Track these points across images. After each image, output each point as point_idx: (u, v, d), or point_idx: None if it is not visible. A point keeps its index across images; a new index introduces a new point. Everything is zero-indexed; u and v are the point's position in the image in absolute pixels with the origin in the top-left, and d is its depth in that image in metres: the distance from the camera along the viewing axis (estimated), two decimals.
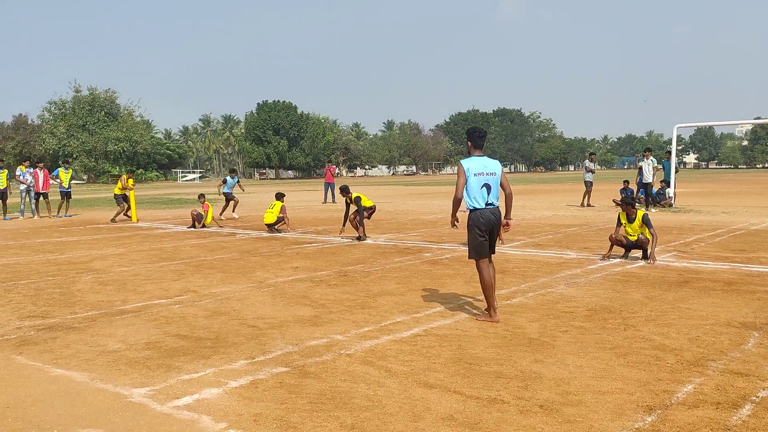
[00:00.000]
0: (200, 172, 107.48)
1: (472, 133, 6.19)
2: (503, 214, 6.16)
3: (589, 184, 21.77)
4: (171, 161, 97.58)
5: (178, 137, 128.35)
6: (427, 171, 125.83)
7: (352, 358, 4.89)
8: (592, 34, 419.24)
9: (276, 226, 14.73)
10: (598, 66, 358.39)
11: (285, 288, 7.88)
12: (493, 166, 6.11)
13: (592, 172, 21.88)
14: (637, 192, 21.00)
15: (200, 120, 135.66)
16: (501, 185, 6.11)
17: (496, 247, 6.50)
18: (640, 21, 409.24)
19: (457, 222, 6.43)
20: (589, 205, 21.46)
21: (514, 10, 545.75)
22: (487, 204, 5.99)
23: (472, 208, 6.02)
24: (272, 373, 4.55)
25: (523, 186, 47.03)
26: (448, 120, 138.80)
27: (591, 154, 22.98)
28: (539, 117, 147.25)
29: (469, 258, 6.09)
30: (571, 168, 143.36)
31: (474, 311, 6.39)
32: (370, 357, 4.90)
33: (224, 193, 19.08)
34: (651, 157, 19.86)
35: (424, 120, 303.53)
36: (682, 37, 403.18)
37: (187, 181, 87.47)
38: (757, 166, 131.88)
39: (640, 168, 19.83)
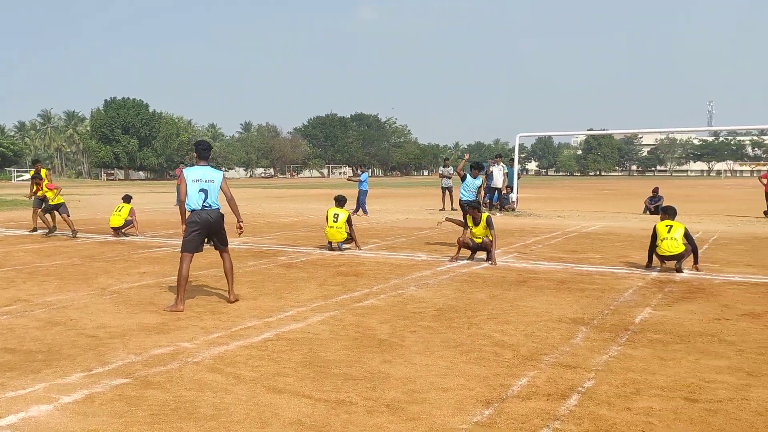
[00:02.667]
0: None
1: (197, 145, 7.13)
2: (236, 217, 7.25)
3: (444, 190, 22.68)
4: (5, 159, 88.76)
5: (12, 133, 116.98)
6: (286, 174, 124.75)
7: (199, 365, 4.72)
8: (445, 44, 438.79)
9: (123, 230, 13.88)
10: (448, 76, 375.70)
11: (130, 295, 7.45)
12: (213, 175, 7.00)
13: (448, 177, 22.81)
14: (484, 196, 22.26)
15: (39, 115, 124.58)
16: (222, 191, 7.01)
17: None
18: (487, 36, 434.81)
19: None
20: (452, 208, 22.28)
21: (371, 16, 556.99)
22: (203, 206, 6.83)
23: (190, 209, 6.87)
24: (111, 386, 4.27)
25: (381, 190, 48.08)
26: (306, 123, 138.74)
27: (445, 159, 24.00)
28: (395, 123, 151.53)
29: (181, 251, 6.91)
30: (425, 173, 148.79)
31: (329, 313, 6.42)
32: (219, 364, 4.76)
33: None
34: (501, 163, 21.14)
35: (282, 123, 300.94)
36: (527, 51, 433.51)
37: (24, 180, 79.82)
38: (590, 173, 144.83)
39: (491, 173, 21.00)
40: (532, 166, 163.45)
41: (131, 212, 14.01)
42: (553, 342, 5.47)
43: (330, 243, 11.58)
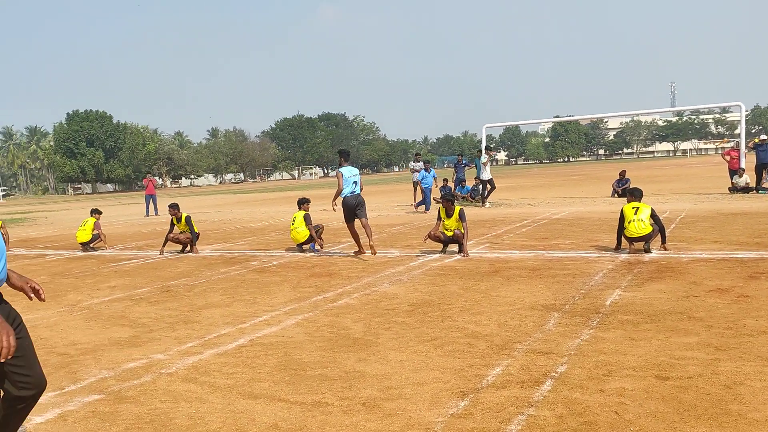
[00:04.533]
0: (4, 190, 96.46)
1: (342, 153, 10.74)
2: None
3: (416, 185, 22.72)
4: None
5: None
6: (256, 178, 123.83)
7: (173, 376, 4.67)
8: (408, 41, 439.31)
9: (91, 244, 13.64)
10: (414, 70, 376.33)
11: (101, 309, 7.33)
12: (357, 172, 10.56)
13: (419, 171, 22.84)
14: (455, 188, 22.39)
15: (0, 133, 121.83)
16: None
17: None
18: (450, 30, 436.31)
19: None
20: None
21: (332, 16, 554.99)
22: (352, 192, 10.36)
23: (344, 195, 10.33)
24: (84, 403, 4.21)
25: None
26: (274, 126, 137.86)
27: (416, 154, 24.05)
28: (363, 120, 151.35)
29: (345, 222, 10.58)
30: (396, 169, 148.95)
31: (303, 315, 6.40)
32: (193, 374, 4.72)
33: None
34: (484, 155, 21.34)
35: (249, 127, 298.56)
36: (487, 44, 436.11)
37: None
38: (558, 160, 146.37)
39: (476, 166, 21.26)
40: (502, 155, 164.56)
41: (96, 225, 13.78)
42: (526, 330, 5.53)
43: (299, 245, 11.55)
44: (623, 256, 9.07)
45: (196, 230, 12.46)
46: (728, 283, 6.86)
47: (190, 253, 12.19)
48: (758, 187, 19.04)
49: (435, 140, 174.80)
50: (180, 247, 12.54)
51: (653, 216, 9.22)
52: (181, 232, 12.43)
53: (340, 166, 10.53)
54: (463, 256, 9.94)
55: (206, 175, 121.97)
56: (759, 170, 19.21)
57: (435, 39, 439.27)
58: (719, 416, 3.49)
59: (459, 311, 6.32)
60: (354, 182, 10.38)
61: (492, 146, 27.42)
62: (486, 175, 21.10)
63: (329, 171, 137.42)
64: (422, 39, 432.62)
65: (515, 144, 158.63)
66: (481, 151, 23.49)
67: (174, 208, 12.55)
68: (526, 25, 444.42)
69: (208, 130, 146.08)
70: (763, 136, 20.20)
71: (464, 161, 23.51)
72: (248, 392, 4.26)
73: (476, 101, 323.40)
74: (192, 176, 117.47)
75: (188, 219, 12.35)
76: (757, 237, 10.12)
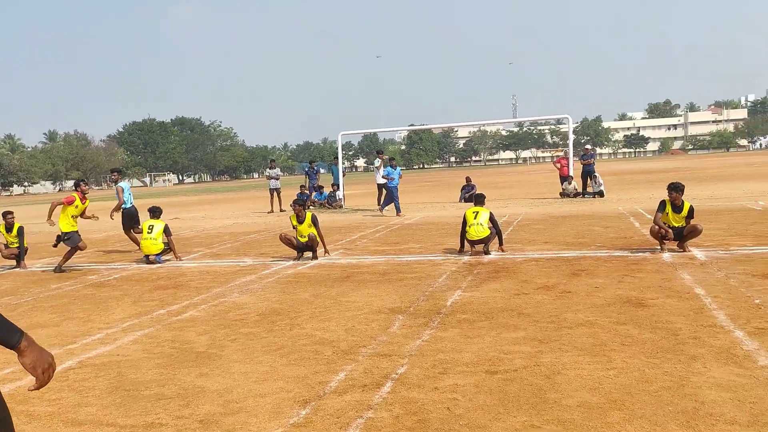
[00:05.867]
0: None
1: (115, 170, 10.91)
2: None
3: (273, 191, 22.45)
4: None
5: None
6: (102, 185, 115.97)
7: None
8: (267, 44, 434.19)
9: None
10: (272, 75, 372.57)
11: None
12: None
13: (276, 178, 22.59)
14: (313, 194, 22.43)
15: None
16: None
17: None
18: (307, 35, 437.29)
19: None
20: (281, 210, 22.07)
21: (186, 17, 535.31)
22: None
23: None
24: None
25: (206, 196, 46.48)
26: (122, 130, 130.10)
27: (271, 161, 23.77)
28: (220, 126, 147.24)
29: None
30: (255, 175, 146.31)
31: (143, 331, 6.08)
32: (10, 403, 4.29)
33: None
34: (378, 159, 21.56)
35: (93, 130, 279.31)
36: (348, 48, 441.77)
37: None
38: (414, 166, 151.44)
39: (333, 172, 21.51)
40: (361, 162, 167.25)
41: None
42: (371, 333, 5.65)
43: (147, 256, 10.99)
44: (465, 258, 9.57)
45: (25, 244, 11.45)
46: (554, 281, 7.47)
47: (17, 269, 11.17)
48: (584, 192, 20.92)
49: (295, 147, 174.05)
50: (14, 262, 11.46)
51: (492, 220, 9.82)
52: (7, 245, 11.37)
53: (118, 181, 12.92)
54: (316, 262, 9.98)
55: (43, 182, 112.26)
56: (584, 177, 21.10)
57: (294, 44, 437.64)
58: (538, 404, 3.78)
59: (308, 318, 6.33)
60: (130, 194, 12.97)
61: (383, 150, 27.98)
62: (380, 179, 21.40)
63: (184, 178, 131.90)
64: (281, 43, 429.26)
65: (373, 151, 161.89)
66: (337, 158, 23.76)
67: (9, 215, 11.52)
68: (383, 36, 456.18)
69: (45, 134, 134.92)
70: (587, 146, 22.26)
71: (316, 168, 23.60)
72: (72, 419, 3.96)
73: (334, 108, 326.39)
74: (26, 183, 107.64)
75: (20, 230, 11.34)
76: (581, 237, 11.12)
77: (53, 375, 2.08)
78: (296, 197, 11.40)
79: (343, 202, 22.59)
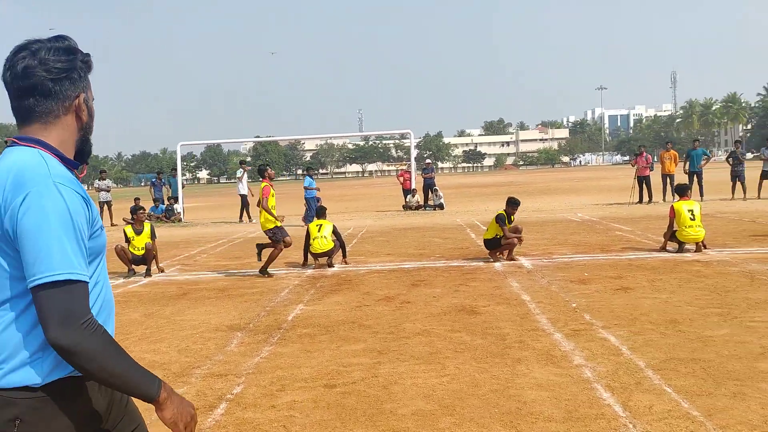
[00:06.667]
0: None
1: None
2: None
3: (103, 204, 20.90)
4: None
5: None
6: None
7: None
8: (94, 46, 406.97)
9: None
10: (106, 79, 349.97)
11: None
12: None
13: (107, 190, 21.08)
14: (157, 206, 21.26)
15: None
16: None
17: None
18: (144, 37, 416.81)
19: None
20: (111, 224, 20.56)
21: (7, 14, 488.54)
22: None
23: None
24: None
25: None
26: None
27: (102, 171, 22.22)
28: None
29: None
30: (87, 187, 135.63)
31: None
32: None
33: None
34: (248, 169, 20.77)
35: None
36: (188, 57, 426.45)
37: None
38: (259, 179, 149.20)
39: (172, 185, 20.56)
40: (204, 174, 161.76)
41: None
42: (207, 353, 5.40)
43: None
44: (309, 271, 9.52)
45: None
46: (395, 291, 7.64)
47: (146, 278, 9.56)
48: (426, 205, 21.79)
49: (130, 156, 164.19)
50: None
51: (335, 232, 9.87)
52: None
53: None
54: (150, 278, 9.44)
55: None
56: (426, 190, 22.00)
57: (128, 45, 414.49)
58: (374, 416, 3.80)
59: (137, 340, 5.92)
60: None
61: (245, 161, 26.99)
62: (244, 190, 20.68)
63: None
64: (111, 44, 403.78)
65: (218, 162, 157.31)
66: (175, 169, 22.81)
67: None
68: (230, 45, 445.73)
69: None
70: (428, 161, 23.27)
71: (163, 180, 22.38)
72: None
73: (174, 118, 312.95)
74: None
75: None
76: (422, 249, 11.53)
77: (195, 429, 1.72)
78: (131, 208, 10.70)
79: (182, 216, 21.62)
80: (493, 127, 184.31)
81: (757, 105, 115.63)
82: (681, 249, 9.31)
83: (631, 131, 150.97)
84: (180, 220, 21.12)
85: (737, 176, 18.99)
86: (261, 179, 9.85)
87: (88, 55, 1.67)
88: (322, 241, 9.64)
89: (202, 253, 12.54)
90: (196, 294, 8.17)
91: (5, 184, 1.50)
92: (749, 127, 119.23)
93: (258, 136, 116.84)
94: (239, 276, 9.47)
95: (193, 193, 61.37)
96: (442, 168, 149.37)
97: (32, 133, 1.59)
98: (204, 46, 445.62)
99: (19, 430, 1.49)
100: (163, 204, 21.54)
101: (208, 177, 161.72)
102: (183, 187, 22.73)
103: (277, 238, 9.28)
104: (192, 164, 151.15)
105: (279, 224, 9.38)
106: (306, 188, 18.78)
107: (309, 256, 9.96)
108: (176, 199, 21.71)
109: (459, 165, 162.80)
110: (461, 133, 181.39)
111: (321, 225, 9.81)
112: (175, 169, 23.31)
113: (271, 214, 9.25)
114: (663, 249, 9.67)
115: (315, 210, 18.23)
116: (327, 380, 4.50)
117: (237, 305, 7.33)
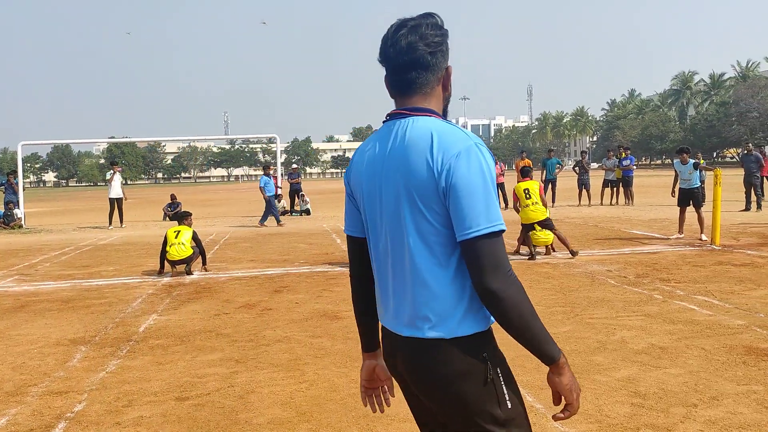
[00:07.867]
0: None
1: None
2: None
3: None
4: None
5: None
6: None
7: None
8: None
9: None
10: None
11: None
12: None
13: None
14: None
15: None
16: None
17: None
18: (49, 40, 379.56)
19: None
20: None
21: None
22: None
23: None
24: None
25: None
26: None
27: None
28: None
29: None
30: None
31: None
32: None
33: None
34: (119, 170, 19.52)
35: None
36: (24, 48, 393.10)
37: None
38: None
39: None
40: (51, 176, 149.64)
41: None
42: (45, 369, 4.96)
43: None
44: (165, 280, 9.06)
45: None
46: (256, 299, 7.47)
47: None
48: (292, 210, 21.60)
49: None
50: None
51: (195, 239, 9.48)
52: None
53: None
54: None
55: None
56: (292, 195, 21.81)
57: None
58: (229, 427, 3.67)
59: None
60: None
61: (116, 161, 24.62)
62: (115, 193, 19.04)
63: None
64: None
65: (66, 164, 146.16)
66: (15, 172, 20.94)
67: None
68: (83, 34, 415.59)
69: None
70: (295, 166, 23.09)
71: (15, 181, 20.31)
72: None
73: (16, 112, 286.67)
74: None
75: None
76: (286, 254, 11.38)
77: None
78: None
79: (23, 222, 19.82)
80: (361, 134, 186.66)
81: (601, 119, 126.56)
82: (533, 257, 9.82)
83: (492, 140, 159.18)
84: (20, 226, 19.34)
85: (583, 184, 20.64)
86: None
87: (447, 30, 1.78)
88: (180, 248, 9.22)
89: (45, 262, 11.55)
90: (35, 306, 7.49)
91: (429, 147, 1.60)
92: (595, 138, 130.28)
93: (113, 137, 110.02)
94: (86, 286, 8.81)
95: (38, 196, 56.66)
96: (310, 173, 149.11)
97: (415, 104, 1.71)
98: (43, 28, 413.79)
99: (490, 362, 1.65)
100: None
101: (56, 179, 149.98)
102: (24, 190, 20.82)
103: None
104: (37, 166, 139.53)
105: None
106: (262, 188, 18.14)
107: (166, 263, 9.48)
108: (15, 204, 19.84)
109: (327, 170, 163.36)
110: (330, 139, 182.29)
111: (179, 231, 9.37)
112: (15, 171, 21.35)
113: None
114: (516, 252, 10.27)
115: (273, 211, 17.80)
116: (179, 393, 4.29)
117: (82, 317, 6.81)
